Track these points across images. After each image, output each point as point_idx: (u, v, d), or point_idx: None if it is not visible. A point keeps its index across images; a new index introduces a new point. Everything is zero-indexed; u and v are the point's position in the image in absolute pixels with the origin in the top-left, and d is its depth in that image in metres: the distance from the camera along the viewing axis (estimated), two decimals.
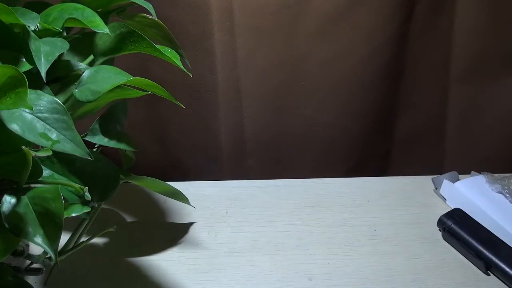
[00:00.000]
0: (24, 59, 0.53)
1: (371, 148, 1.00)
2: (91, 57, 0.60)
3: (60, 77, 0.57)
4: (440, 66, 0.92)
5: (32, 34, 0.53)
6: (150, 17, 0.61)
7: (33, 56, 0.51)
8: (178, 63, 0.56)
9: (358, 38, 0.85)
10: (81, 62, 0.59)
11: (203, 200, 0.82)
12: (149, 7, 0.60)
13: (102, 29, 0.53)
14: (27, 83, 0.45)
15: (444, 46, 0.90)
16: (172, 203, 0.81)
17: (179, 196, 0.73)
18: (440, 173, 0.86)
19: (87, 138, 0.58)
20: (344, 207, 0.82)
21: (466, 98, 0.95)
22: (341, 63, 0.87)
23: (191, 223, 0.78)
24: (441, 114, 0.97)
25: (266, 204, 0.82)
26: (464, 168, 0.89)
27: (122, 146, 0.57)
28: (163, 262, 0.72)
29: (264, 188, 0.85)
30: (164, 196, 0.79)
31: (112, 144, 0.57)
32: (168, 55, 0.57)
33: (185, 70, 0.57)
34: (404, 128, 0.99)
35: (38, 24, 0.53)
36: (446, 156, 1.01)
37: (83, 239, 0.62)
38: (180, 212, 0.80)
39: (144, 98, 0.61)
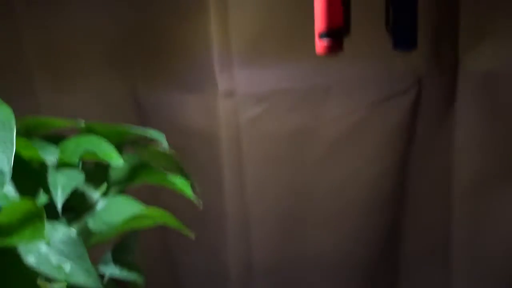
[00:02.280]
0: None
1: (378, 273, 0.99)
2: (105, 186, 0.62)
3: (74, 206, 0.60)
4: (442, 185, 0.94)
5: (50, 167, 0.55)
6: (162, 147, 0.64)
7: (50, 188, 0.53)
8: (189, 193, 0.59)
9: (363, 164, 0.88)
10: (95, 191, 0.61)
11: None
12: (161, 138, 0.63)
13: (117, 162, 0.56)
14: (45, 217, 0.47)
15: (445, 165, 0.92)
16: None
17: None
18: None
19: (99, 268, 0.59)
20: None
21: (471, 215, 0.96)
22: (347, 189, 0.90)
23: None
24: (447, 235, 0.97)
25: None
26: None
27: (133, 277, 0.58)
28: None
29: None
30: None
31: (124, 274, 0.58)
32: (179, 185, 0.59)
33: (194, 201, 0.59)
34: (410, 251, 0.99)
35: (55, 158, 0.56)
36: (453, 277, 1.00)
37: None
38: None
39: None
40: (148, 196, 0.64)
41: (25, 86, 0.85)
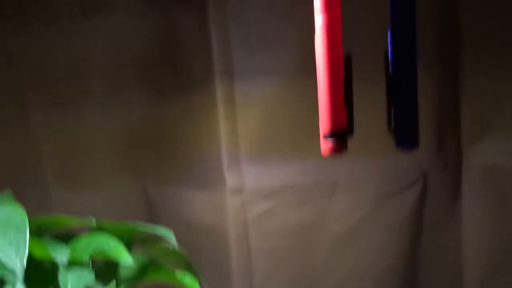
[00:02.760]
0: None
1: None
2: (114, 284, 0.63)
3: None
4: (453, 277, 0.93)
5: (60, 266, 0.56)
6: (171, 244, 0.65)
7: None
8: None
9: (369, 259, 0.88)
10: None
11: None
12: (170, 235, 0.64)
13: (126, 261, 0.57)
14: None
15: (454, 259, 0.92)
16: None
17: None
18: None
19: None
20: None
21: None
22: (354, 283, 0.89)
23: None
24: None
25: None
26: None
27: None
28: None
29: None
30: None
31: None
32: (188, 282, 0.60)
33: None
34: None
35: (66, 258, 0.57)
36: None
37: None
38: None
39: None
40: None
41: (38, 184, 0.87)
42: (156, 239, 0.66)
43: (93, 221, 0.62)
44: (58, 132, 0.86)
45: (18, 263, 0.50)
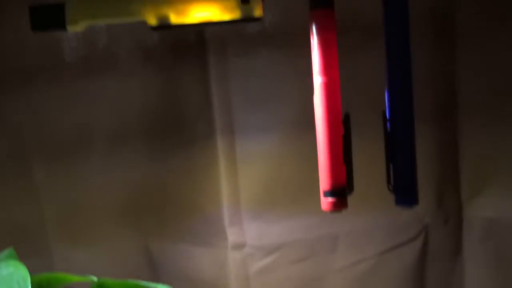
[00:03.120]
0: None
1: None
2: None
3: None
4: None
5: None
6: None
7: None
8: None
9: None
10: None
11: None
12: None
13: None
14: None
15: None
16: None
17: None
18: None
19: None
20: None
21: None
22: None
23: None
24: None
25: None
26: None
27: None
28: None
29: None
30: None
31: None
32: None
33: None
34: None
35: None
36: None
37: None
38: None
39: None
40: None
41: (39, 242, 0.87)
42: None
43: (94, 279, 0.62)
44: (60, 191, 0.87)
45: None
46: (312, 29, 0.69)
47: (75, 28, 0.72)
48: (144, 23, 0.71)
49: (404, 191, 0.69)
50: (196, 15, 0.71)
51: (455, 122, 0.88)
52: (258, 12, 0.70)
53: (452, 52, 0.86)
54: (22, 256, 0.62)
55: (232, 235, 0.87)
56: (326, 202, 0.68)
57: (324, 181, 0.68)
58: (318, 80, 0.69)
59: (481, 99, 0.87)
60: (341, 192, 0.67)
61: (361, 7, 0.83)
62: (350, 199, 0.70)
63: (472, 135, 0.88)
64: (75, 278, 0.62)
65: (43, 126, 0.86)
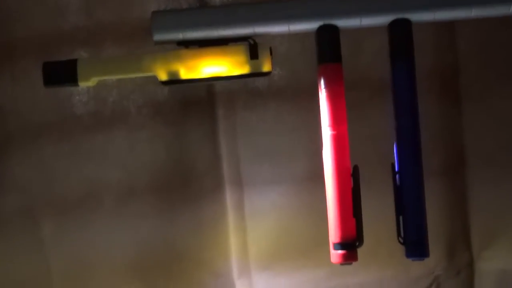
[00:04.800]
0: None
1: None
2: None
3: None
4: None
5: None
6: None
7: None
8: None
9: None
10: None
11: None
12: None
13: None
14: None
15: None
16: None
17: None
18: None
19: None
20: None
21: None
22: None
23: None
24: None
25: None
26: None
27: None
28: None
29: None
30: None
31: None
32: None
33: None
34: None
35: None
36: None
37: None
38: None
39: None
40: None
41: None
42: None
43: None
44: (68, 247, 0.87)
45: None
46: (320, 83, 0.70)
47: (87, 83, 0.73)
48: (154, 78, 0.73)
49: (414, 243, 0.68)
50: (205, 70, 0.72)
51: (463, 176, 0.88)
52: (267, 67, 0.72)
53: (458, 108, 0.87)
54: None
55: None
56: (335, 254, 0.68)
57: (333, 234, 0.68)
58: (327, 132, 0.69)
59: (488, 154, 0.87)
60: (350, 245, 0.67)
61: (368, 63, 0.84)
62: (360, 252, 0.70)
63: (481, 189, 0.88)
64: None
65: (52, 181, 0.87)
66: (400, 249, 0.71)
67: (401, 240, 0.69)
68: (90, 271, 0.87)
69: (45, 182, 0.87)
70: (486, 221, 0.89)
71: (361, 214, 0.68)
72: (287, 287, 0.87)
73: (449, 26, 0.86)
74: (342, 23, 0.71)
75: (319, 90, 0.70)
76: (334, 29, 0.71)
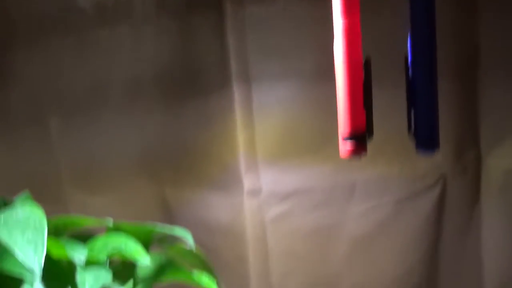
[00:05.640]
0: None
1: None
2: (131, 283, 0.63)
3: None
4: (473, 284, 0.93)
5: (78, 265, 0.57)
6: (188, 245, 0.65)
7: (78, 287, 0.54)
8: None
9: (388, 260, 0.88)
10: None
11: None
12: (187, 236, 0.64)
13: (144, 261, 0.57)
14: None
15: (475, 264, 0.92)
16: None
17: None
18: None
19: None
20: None
21: None
22: (373, 285, 0.89)
23: None
24: None
25: None
26: None
27: None
28: None
29: None
30: None
31: None
32: (205, 282, 0.60)
33: None
34: None
35: (83, 257, 0.57)
36: None
37: None
38: None
39: None
40: None
41: (55, 190, 0.88)
42: (174, 240, 0.67)
43: (110, 222, 0.62)
44: (76, 140, 0.87)
45: (36, 262, 0.50)
46: None
47: None
48: None
49: (425, 135, 0.67)
50: None
51: (475, 75, 0.87)
52: None
53: (474, 8, 0.85)
54: (38, 202, 0.61)
55: (248, 182, 0.87)
56: (345, 147, 0.67)
57: (343, 126, 0.67)
58: (338, 23, 0.67)
59: (501, 53, 0.86)
60: (360, 137, 0.66)
61: None
62: (368, 148, 0.69)
63: (492, 90, 0.87)
64: (92, 221, 0.62)
65: (58, 76, 0.86)
66: (409, 146, 0.70)
67: (412, 133, 0.68)
68: (98, 167, 0.88)
69: (51, 77, 0.86)
70: (496, 121, 0.88)
71: (372, 107, 0.67)
72: (294, 182, 0.88)
73: None
74: None
75: None
76: None
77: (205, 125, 0.87)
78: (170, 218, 0.89)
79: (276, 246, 0.86)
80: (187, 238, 0.64)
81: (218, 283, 0.62)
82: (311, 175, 0.87)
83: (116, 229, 0.62)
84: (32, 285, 0.53)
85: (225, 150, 0.88)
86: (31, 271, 0.51)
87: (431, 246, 0.90)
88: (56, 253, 0.56)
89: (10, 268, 0.52)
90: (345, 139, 0.67)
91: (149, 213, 0.88)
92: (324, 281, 0.89)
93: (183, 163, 0.88)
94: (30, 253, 0.50)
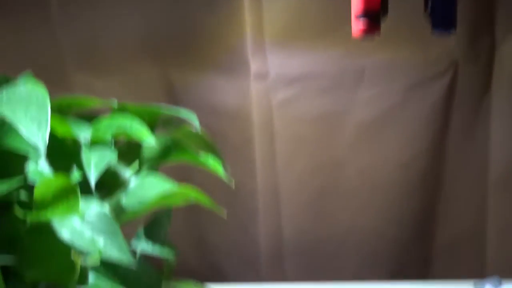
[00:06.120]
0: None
1: (410, 254, 0.99)
2: (137, 164, 0.62)
3: (107, 184, 0.60)
4: (478, 172, 0.93)
5: (83, 144, 0.56)
6: (194, 127, 0.65)
7: (83, 166, 0.54)
8: (221, 172, 0.59)
9: (395, 147, 0.88)
10: (127, 169, 0.62)
11: None
12: (193, 118, 0.63)
13: (149, 141, 0.56)
14: (79, 193, 0.48)
15: (482, 152, 0.91)
16: None
17: None
18: (482, 277, 0.84)
19: (132, 245, 0.59)
20: None
21: (507, 203, 0.95)
22: (378, 170, 0.90)
23: None
24: (481, 221, 0.96)
25: None
26: (508, 273, 0.87)
27: (165, 253, 0.58)
28: None
29: None
30: None
31: (156, 251, 0.58)
32: (211, 164, 0.59)
33: (226, 180, 0.59)
34: (444, 235, 0.99)
35: (88, 136, 0.57)
36: (488, 260, 0.99)
37: None
38: None
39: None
40: (180, 177, 0.64)
41: (58, 71, 0.87)
42: (179, 123, 0.66)
43: (115, 103, 0.61)
44: (78, 21, 0.85)
45: (40, 139, 0.49)
46: None
47: None
48: None
49: (442, 13, 0.65)
50: None
51: None
52: None
53: None
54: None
55: (255, 65, 0.86)
56: (358, 26, 0.65)
57: (357, 3, 0.64)
58: None
59: None
60: (374, 15, 0.64)
61: None
62: (381, 28, 0.67)
63: None
64: (96, 102, 0.61)
65: None
66: (422, 28, 0.68)
67: (428, 12, 0.65)
68: (101, 48, 0.87)
69: None
70: None
71: None
72: (302, 65, 0.86)
73: None
74: None
75: None
76: None
77: (211, 5, 0.85)
78: (175, 101, 0.88)
79: (282, 130, 0.86)
80: (193, 120, 0.63)
81: (223, 166, 0.62)
82: (319, 59, 0.86)
83: (121, 110, 0.61)
84: (37, 162, 0.52)
85: (231, 32, 0.85)
86: (35, 148, 0.50)
87: (438, 135, 0.89)
88: (61, 131, 0.55)
89: (14, 144, 0.51)
90: (358, 17, 0.64)
91: (153, 96, 0.87)
92: (329, 166, 0.89)
93: (188, 45, 0.86)
94: (34, 130, 0.49)
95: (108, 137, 0.57)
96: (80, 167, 0.54)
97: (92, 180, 0.52)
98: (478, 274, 0.99)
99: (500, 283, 0.83)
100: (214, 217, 0.94)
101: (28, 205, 0.50)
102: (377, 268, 0.99)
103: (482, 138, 0.90)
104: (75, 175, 0.54)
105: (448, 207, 0.96)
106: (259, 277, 0.99)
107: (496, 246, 0.98)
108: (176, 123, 0.66)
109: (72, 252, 0.48)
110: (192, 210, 0.94)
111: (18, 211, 0.48)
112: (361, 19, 0.64)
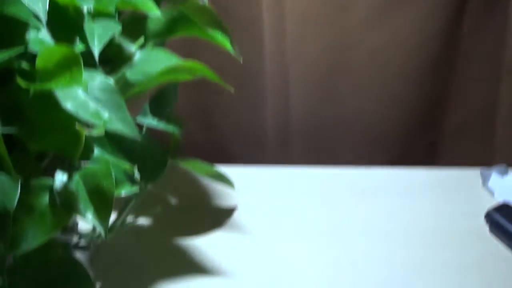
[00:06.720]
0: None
1: (418, 138, 0.99)
2: (142, 39, 0.60)
3: (112, 58, 0.58)
4: (491, 57, 0.90)
5: (86, 15, 0.54)
6: (201, 2, 0.62)
7: (87, 37, 0.52)
8: (228, 47, 0.57)
9: (408, 28, 0.85)
10: (132, 43, 0.60)
11: (246, 185, 0.82)
12: None
13: (154, 12, 0.54)
14: (82, 63, 0.46)
15: (497, 37, 0.89)
16: (216, 187, 0.81)
17: (224, 180, 0.73)
18: (489, 165, 0.84)
19: (137, 119, 0.59)
20: (388, 197, 0.81)
21: None
22: (389, 52, 0.87)
23: (234, 208, 0.79)
24: (491, 106, 0.95)
25: (309, 191, 0.82)
26: None
27: (171, 128, 0.57)
28: (204, 244, 0.73)
29: (307, 175, 0.85)
30: (209, 180, 0.80)
31: (162, 125, 0.58)
32: (218, 38, 0.57)
33: (234, 54, 0.57)
34: (452, 119, 0.98)
35: (91, 6, 0.54)
36: (496, 148, 0.99)
37: (129, 219, 0.63)
38: (223, 197, 0.80)
39: (191, 82, 0.62)
40: (187, 56, 0.62)
41: None
42: None
43: None
44: None
45: (40, 5, 0.47)
46: None
47: None
48: None
49: None
50: None
51: None
52: None
53: None
54: None
55: None
56: None
57: None
58: None
59: None
60: None
61: None
62: None
63: None
64: None
65: None
66: None
67: None
68: None
69: None
70: None
71: None
72: None
73: None
74: None
75: None
76: None
77: None
78: None
79: (293, 7, 0.82)
80: None
81: (231, 41, 0.60)
82: None
83: None
84: (38, 30, 0.50)
85: None
86: (36, 16, 0.48)
87: (454, 16, 0.86)
88: (63, 0, 0.52)
89: (15, 11, 0.49)
90: None
91: None
92: (339, 46, 0.86)
93: None
94: None
95: (112, 8, 0.55)
96: (83, 39, 0.53)
97: (96, 52, 0.51)
98: (486, 161, 0.99)
99: (506, 172, 0.83)
100: (221, 98, 0.93)
101: (30, 75, 0.48)
102: (384, 153, 0.99)
103: (499, 22, 0.87)
104: (78, 47, 0.53)
105: (458, 92, 0.94)
106: (265, 159, 0.99)
107: (505, 134, 0.98)
108: None
109: (77, 124, 0.47)
110: (199, 91, 0.92)
111: (21, 81, 0.47)
112: None
